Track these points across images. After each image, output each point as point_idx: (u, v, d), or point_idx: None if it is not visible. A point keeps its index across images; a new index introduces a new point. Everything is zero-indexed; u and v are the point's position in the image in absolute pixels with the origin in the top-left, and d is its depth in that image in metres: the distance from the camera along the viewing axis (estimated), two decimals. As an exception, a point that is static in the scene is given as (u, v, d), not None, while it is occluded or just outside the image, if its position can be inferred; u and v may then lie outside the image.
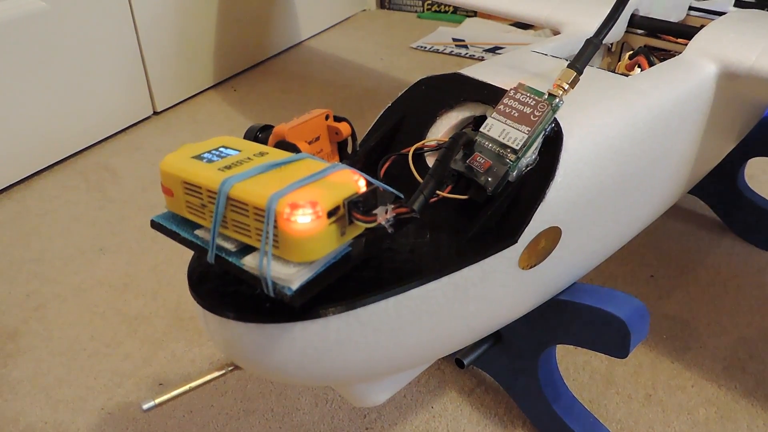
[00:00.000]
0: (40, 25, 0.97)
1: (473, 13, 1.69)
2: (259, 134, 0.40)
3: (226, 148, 0.33)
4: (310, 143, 0.42)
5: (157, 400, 0.33)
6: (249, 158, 0.32)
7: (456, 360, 0.55)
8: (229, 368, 0.35)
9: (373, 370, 0.37)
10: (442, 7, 1.72)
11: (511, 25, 1.59)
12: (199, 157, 0.32)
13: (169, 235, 0.34)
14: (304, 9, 1.50)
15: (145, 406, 0.33)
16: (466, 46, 1.48)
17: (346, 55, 1.48)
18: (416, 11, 1.74)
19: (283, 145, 0.39)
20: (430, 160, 0.42)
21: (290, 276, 0.29)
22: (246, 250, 0.31)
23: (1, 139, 0.96)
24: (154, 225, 0.34)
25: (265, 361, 0.33)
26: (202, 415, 0.62)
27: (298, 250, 0.28)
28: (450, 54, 1.44)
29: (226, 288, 0.33)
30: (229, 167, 0.31)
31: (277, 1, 1.41)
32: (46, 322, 0.74)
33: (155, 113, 1.21)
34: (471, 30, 1.58)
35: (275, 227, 0.28)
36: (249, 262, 0.30)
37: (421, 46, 1.48)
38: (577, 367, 0.67)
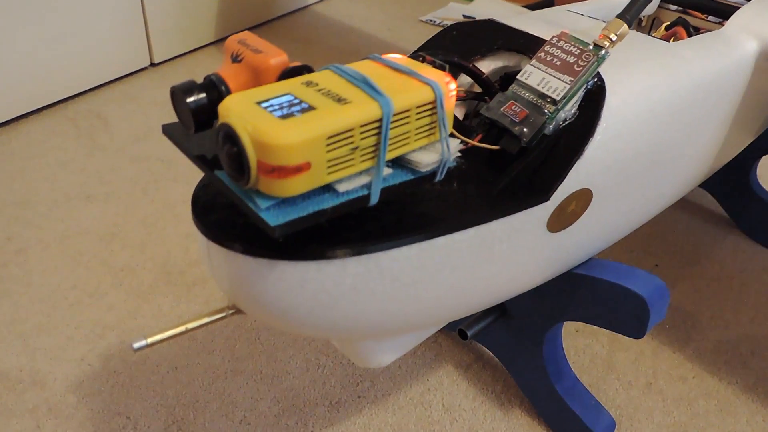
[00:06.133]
0: (38, -41, 0.92)
1: (484, -7, 1.65)
2: (202, 92, 0.29)
3: (281, 95, 0.28)
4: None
5: (149, 340, 0.30)
6: (317, 84, 0.28)
7: (459, 330, 0.52)
8: (230, 311, 0.32)
9: (385, 325, 0.34)
10: (453, -17, 1.67)
11: (523, 6, 1.55)
12: (289, 114, 0.26)
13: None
14: (312, -28, 1.46)
15: (136, 345, 0.30)
16: (475, 25, 1.44)
17: (352, 22, 1.44)
18: (426, -14, 1.70)
19: (292, 71, 0.33)
20: (459, 111, 0.40)
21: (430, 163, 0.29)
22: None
23: (-11, 76, 0.91)
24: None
25: (271, 302, 0.30)
26: (187, 373, 0.60)
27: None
28: (459, 31, 1.40)
29: (235, 219, 0.30)
30: (340, 99, 0.27)
31: (286, -39, 1.37)
32: (27, 267, 0.70)
33: (152, 65, 1.17)
34: (482, 8, 1.54)
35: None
36: (419, 157, 0.30)
37: (431, 20, 1.44)
38: (577, 350, 0.65)
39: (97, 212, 0.79)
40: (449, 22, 1.42)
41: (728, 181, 0.83)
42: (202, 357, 0.61)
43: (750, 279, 0.76)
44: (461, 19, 1.47)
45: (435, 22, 1.44)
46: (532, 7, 1.63)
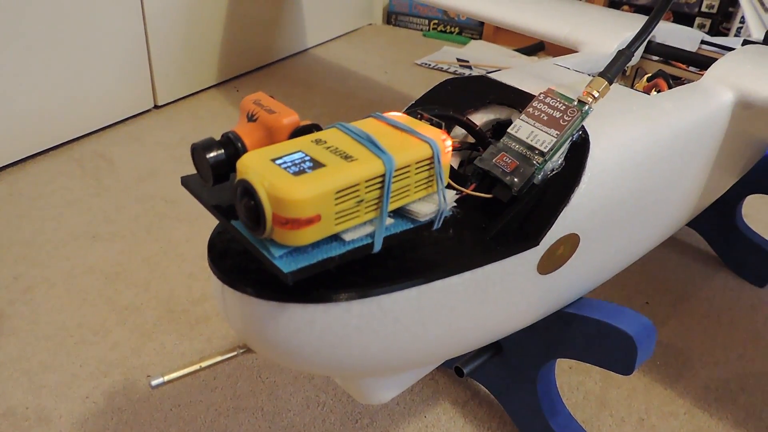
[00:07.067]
0: (47, 6, 0.96)
1: (478, 36, 1.70)
2: (218, 151, 0.31)
3: (293, 152, 0.30)
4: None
5: (167, 378, 0.32)
6: (325, 142, 0.31)
7: (456, 368, 0.54)
8: (241, 350, 0.34)
9: (387, 363, 0.36)
10: (448, 27, 1.73)
11: (515, 50, 1.61)
12: (301, 171, 0.29)
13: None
14: (311, 17, 1.51)
15: (154, 383, 0.32)
16: (470, 67, 1.49)
17: (350, 65, 1.48)
18: (422, 29, 1.76)
19: (303, 130, 0.37)
20: (454, 160, 0.42)
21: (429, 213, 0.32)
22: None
23: (-1, 119, 0.94)
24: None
25: (281, 341, 0.32)
26: (190, 410, 0.61)
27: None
28: (454, 73, 1.45)
29: (248, 265, 0.32)
30: (346, 156, 0.30)
31: (286, 6, 1.42)
32: (33, 306, 0.72)
33: (156, 107, 1.20)
34: (476, 52, 1.60)
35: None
36: (418, 207, 0.32)
37: (426, 63, 1.49)
38: (571, 387, 0.66)
39: (103, 251, 0.81)
40: (444, 65, 1.47)
41: (715, 221, 0.86)
42: (205, 394, 0.62)
43: (738, 316, 0.78)
44: (455, 62, 1.51)
45: (430, 65, 1.48)
46: (524, 51, 1.67)
